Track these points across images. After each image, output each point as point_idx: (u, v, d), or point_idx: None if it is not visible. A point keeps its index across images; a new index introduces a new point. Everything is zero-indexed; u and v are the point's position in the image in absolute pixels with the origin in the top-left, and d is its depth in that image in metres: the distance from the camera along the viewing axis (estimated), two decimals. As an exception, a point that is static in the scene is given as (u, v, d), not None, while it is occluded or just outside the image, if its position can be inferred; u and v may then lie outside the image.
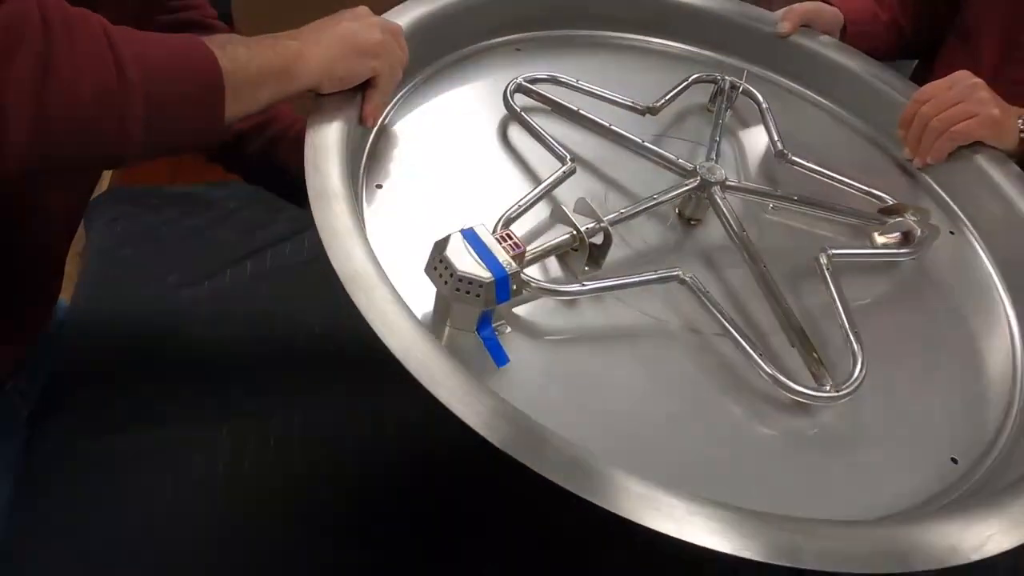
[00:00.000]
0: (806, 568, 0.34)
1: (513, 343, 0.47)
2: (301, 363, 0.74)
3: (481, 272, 0.43)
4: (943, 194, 0.69)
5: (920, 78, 0.83)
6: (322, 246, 0.43)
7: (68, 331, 0.75)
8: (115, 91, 0.41)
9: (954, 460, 0.48)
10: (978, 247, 0.65)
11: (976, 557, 0.36)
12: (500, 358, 0.46)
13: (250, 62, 0.47)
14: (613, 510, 0.35)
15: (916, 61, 0.91)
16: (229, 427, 0.68)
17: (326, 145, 0.50)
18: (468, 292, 0.43)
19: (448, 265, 0.44)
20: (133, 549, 0.61)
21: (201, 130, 0.47)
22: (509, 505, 0.65)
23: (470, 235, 0.45)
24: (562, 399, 0.46)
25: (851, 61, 0.76)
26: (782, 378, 0.46)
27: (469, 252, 0.44)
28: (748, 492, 0.41)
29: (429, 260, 0.45)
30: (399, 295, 0.42)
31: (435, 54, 0.67)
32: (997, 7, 0.75)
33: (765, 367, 0.47)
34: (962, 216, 0.67)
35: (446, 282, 0.44)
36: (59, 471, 0.65)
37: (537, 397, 0.44)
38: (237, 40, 0.48)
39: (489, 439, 0.36)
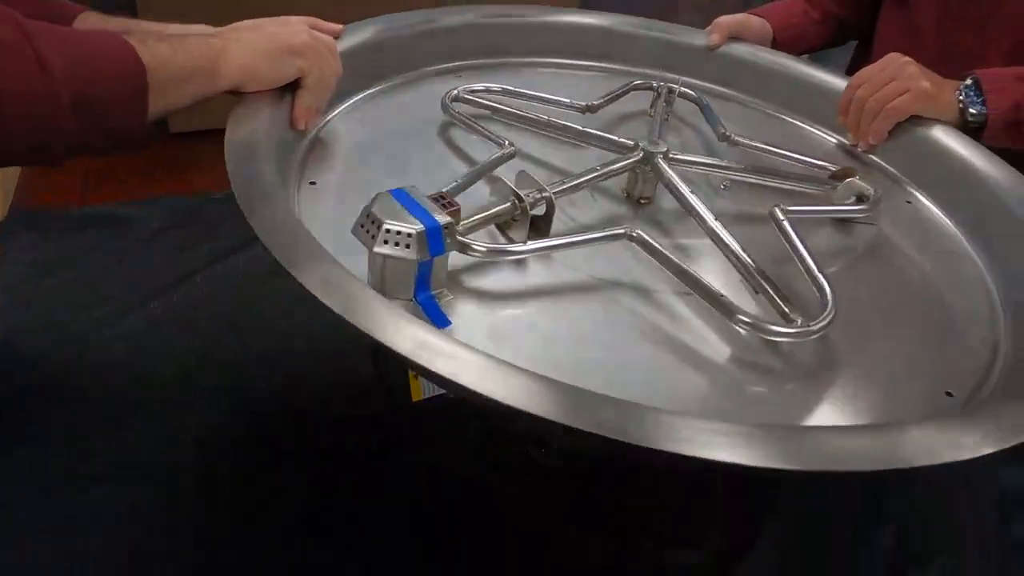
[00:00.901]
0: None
1: (457, 308, 0.44)
2: (258, 401, 0.68)
3: (411, 222, 0.41)
4: (893, 170, 0.68)
5: (861, 56, 0.86)
6: (262, 262, 0.40)
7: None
8: (40, 90, 0.40)
9: (949, 394, 0.44)
10: (936, 210, 0.64)
11: (981, 452, 0.32)
12: (440, 320, 0.43)
13: (173, 58, 0.47)
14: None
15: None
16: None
17: (249, 142, 0.48)
18: (398, 244, 0.41)
19: (375, 219, 0.41)
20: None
21: (126, 128, 0.46)
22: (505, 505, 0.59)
23: (399, 193, 0.43)
24: (509, 355, 0.41)
25: (777, 61, 0.77)
26: (757, 320, 0.43)
27: (398, 207, 0.42)
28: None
29: (356, 221, 0.42)
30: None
31: (376, 77, 0.68)
32: None
33: (737, 311, 0.43)
34: (915, 186, 0.66)
35: (373, 237, 0.41)
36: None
37: (483, 354, 0.40)
38: (155, 35, 0.48)
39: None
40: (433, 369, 0.32)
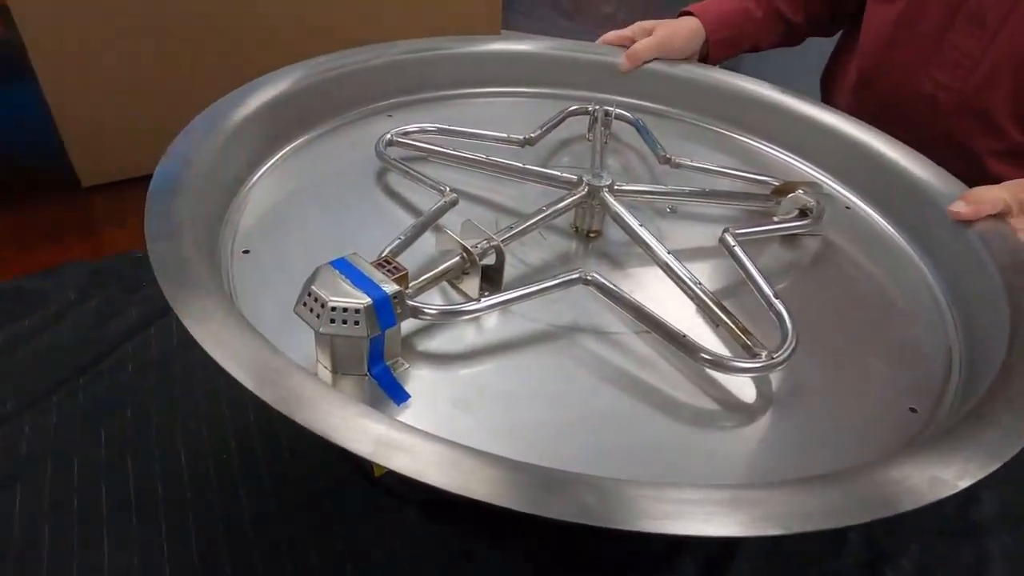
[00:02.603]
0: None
1: (414, 377, 0.42)
2: (211, 486, 0.64)
3: (357, 296, 0.38)
4: (829, 178, 0.69)
5: (845, 48, 0.85)
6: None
7: None
8: None
9: (913, 410, 0.44)
10: (876, 215, 0.65)
11: (963, 484, 0.32)
12: (399, 395, 0.40)
13: None
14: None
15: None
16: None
17: (172, 219, 0.45)
18: (346, 323, 0.38)
19: (317, 297, 0.38)
20: None
21: None
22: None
23: (341, 264, 0.41)
24: (474, 423, 0.40)
25: (707, 75, 0.78)
26: (720, 357, 0.42)
27: (341, 280, 0.39)
28: (702, 472, 0.35)
29: (298, 299, 0.40)
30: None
31: (302, 126, 0.65)
32: None
33: (700, 350, 0.43)
34: (851, 191, 0.68)
35: (318, 316, 0.38)
36: None
37: (448, 426, 0.39)
38: None
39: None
40: (396, 468, 0.30)
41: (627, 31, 0.78)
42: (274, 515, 0.60)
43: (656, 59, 0.77)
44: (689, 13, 0.80)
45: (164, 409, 0.69)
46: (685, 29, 0.78)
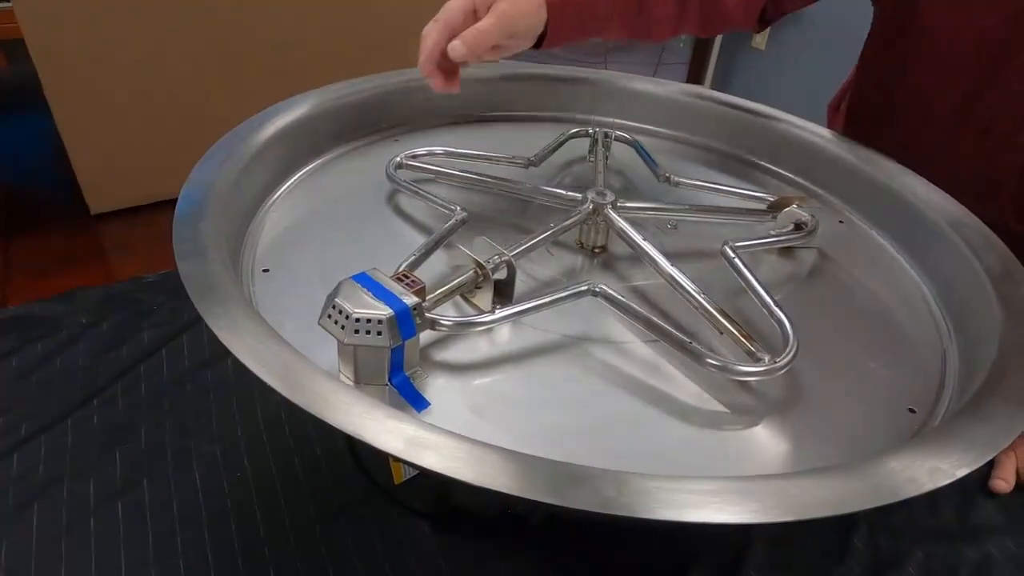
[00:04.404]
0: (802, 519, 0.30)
1: (432, 386, 0.44)
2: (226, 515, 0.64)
3: (379, 308, 0.40)
4: (823, 192, 0.72)
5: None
6: (209, 344, 0.38)
7: None
8: None
9: (911, 410, 0.46)
10: (869, 228, 0.67)
11: (960, 474, 0.34)
12: (419, 403, 0.42)
13: None
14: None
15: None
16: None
17: (198, 238, 0.47)
18: (369, 332, 0.40)
19: (342, 309, 0.40)
20: None
21: None
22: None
23: (362, 278, 0.43)
24: (492, 427, 0.41)
25: (704, 95, 0.81)
26: (726, 362, 0.44)
27: (363, 293, 0.41)
28: (711, 471, 0.37)
29: (322, 311, 0.41)
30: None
31: (315, 151, 0.67)
32: None
33: (706, 356, 0.44)
34: (845, 205, 0.70)
35: (343, 327, 0.40)
36: None
37: (467, 431, 0.39)
38: None
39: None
40: (426, 466, 0.31)
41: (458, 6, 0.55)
42: (289, 532, 0.61)
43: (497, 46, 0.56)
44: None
45: (178, 430, 0.70)
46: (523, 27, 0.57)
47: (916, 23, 0.69)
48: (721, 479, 0.32)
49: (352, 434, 0.32)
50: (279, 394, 0.34)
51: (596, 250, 0.59)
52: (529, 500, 0.30)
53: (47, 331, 0.80)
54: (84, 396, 0.73)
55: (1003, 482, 0.66)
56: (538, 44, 0.60)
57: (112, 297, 0.87)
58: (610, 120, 0.78)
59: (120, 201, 1.20)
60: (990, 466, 0.69)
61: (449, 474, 0.31)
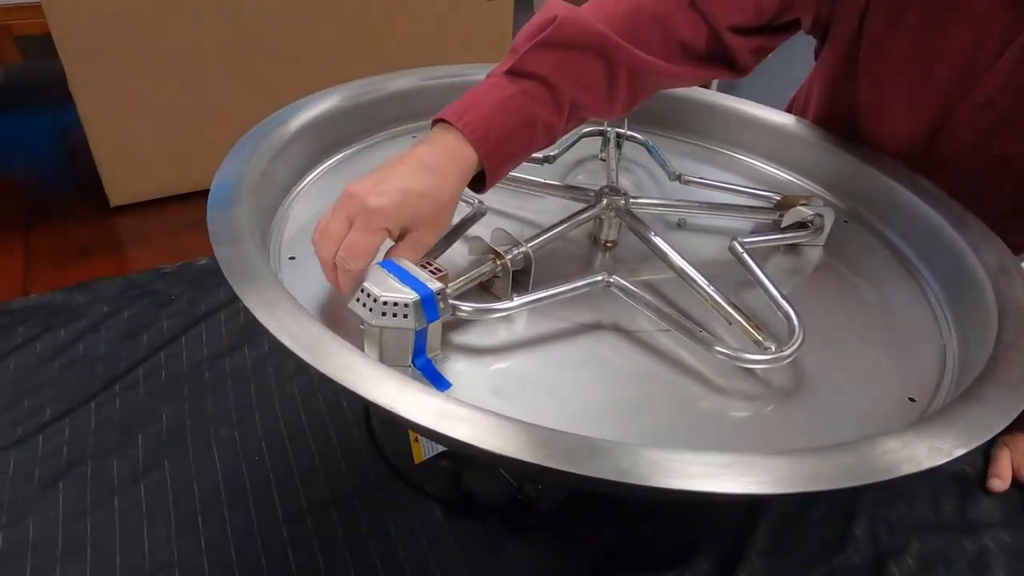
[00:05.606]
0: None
1: (453, 369, 0.46)
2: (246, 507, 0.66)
3: (405, 292, 0.42)
4: (828, 193, 0.74)
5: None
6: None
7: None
8: None
9: (912, 399, 0.48)
10: (873, 227, 0.69)
11: (957, 453, 0.36)
12: (441, 383, 0.44)
13: None
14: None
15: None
16: None
17: (230, 223, 0.49)
18: (396, 315, 0.42)
19: (370, 293, 0.42)
20: None
21: None
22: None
23: (389, 264, 0.45)
24: (511, 407, 0.43)
25: (710, 98, 0.83)
26: (735, 351, 0.46)
27: (391, 279, 0.43)
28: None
29: (351, 295, 0.43)
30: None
31: (338, 144, 0.69)
32: None
33: (715, 344, 0.46)
34: (849, 206, 0.72)
35: (371, 310, 0.42)
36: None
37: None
38: None
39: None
40: (456, 436, 0.33)
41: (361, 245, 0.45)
42: (306, 514, 0.63)
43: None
44: (443, 121, 0.51)
45: (198, 415, 0.72)
46: (451, 182, 0.47)
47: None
48: (731, 453, 0.34)
49: (385, 407, 0.34)
50: (313, 369, 0.36)
51: (608, 244, 0.61)
52: (550, 469, 0.32)
53: (69, 319, 0.82)
54: (106, 381, 0.75)
55: (999, 480, 0.69)
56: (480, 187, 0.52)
57: (132, 287, 0.89)
58: (625, 120, 0.80)
59: (139, 194, 1.22)
60: (987, 465, 0.71)
61: (476, 444, 0.33)
